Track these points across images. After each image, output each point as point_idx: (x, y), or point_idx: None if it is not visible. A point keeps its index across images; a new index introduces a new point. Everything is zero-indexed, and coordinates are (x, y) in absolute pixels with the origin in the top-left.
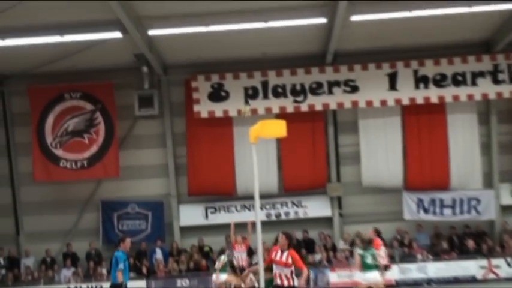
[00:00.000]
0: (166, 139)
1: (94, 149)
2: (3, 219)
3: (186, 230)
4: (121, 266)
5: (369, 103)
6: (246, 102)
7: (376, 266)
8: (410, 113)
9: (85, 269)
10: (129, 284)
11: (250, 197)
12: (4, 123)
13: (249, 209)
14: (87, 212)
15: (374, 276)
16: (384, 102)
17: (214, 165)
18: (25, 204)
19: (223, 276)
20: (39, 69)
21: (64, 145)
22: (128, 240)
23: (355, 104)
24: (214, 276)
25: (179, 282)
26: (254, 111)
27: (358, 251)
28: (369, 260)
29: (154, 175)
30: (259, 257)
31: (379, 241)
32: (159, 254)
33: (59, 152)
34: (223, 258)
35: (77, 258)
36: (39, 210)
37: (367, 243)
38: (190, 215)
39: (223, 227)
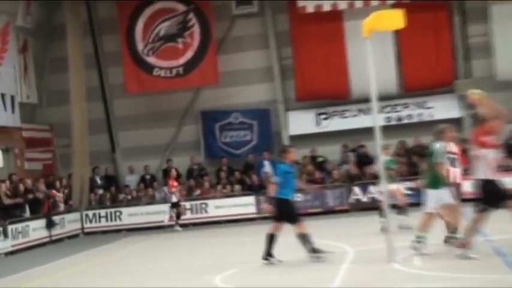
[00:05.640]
0: (268, 39)
1: (189, 54)
2: (97, 136)
3: (296, 140)
4: (276, 179)
5: None
6: None
7: None
8: None
9: (187, 186)
10: (237, 200)
11: (367, 100)
12: (91, 32)
13: (366, 113)
14: (186, 124)
15: None
16: None
17: (325, 65)
18: (119, 118)
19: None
20: None
21: (157, 52)
22: (292, 150)
23: None
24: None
25: None
26: (366, 2)
27: None
28: None
29: (258, 80)
30: (380, 166)
31: None
32: (267, 167)
33: (151, 60)
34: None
35: (178, 174)
36: (135, 124)
37: None
38: (300, 122)
39: (338, 135)
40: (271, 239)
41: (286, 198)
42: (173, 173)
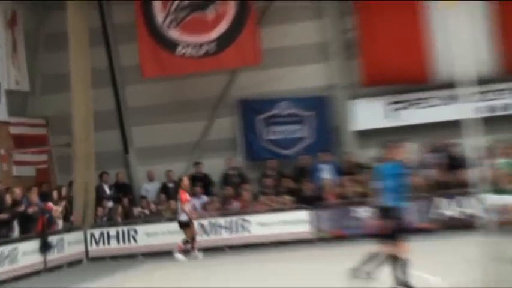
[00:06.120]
0: (322, 8)
1: (223, 27)
2: (105, 133)
3: (363, 136)
4: (382, 183)
5: None
6: None
7: None
8: None
9: (222, 197)
10: (287, 215)
11: (452, 85)
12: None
13: (453, 102)
14: (220, 116)
15: None
16: None
17: (398, 42)
18: (133, 110)
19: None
20: None
21: (181, 24)
22: (403, 146)
23: None
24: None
25: (358, 211)
26: None
27: None
28: None
29: (311, 60)
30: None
31: None
32: (325, 172)
33: (174, 34)
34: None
35: (209, 182)
36: (153, 117)
37: None
38: (368, 114)
39: (417, 130)
40: (400, 264)
41: (396, 207)
42: (185, 182)
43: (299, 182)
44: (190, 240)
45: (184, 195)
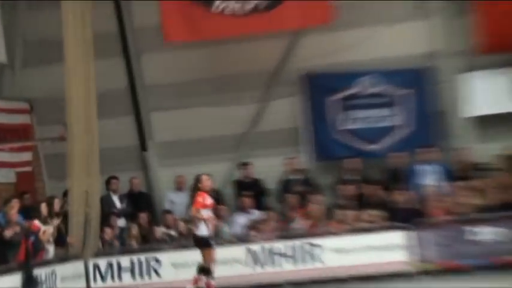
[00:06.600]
0: None
1: None
2: (114, 121)
3: (483, 125)
4: None
5: None
6: None
7: None
8: None
9: (281, 212)
10: (374, 238)
11: None
12: None
13: None
14: (275, 98)
15: None
16: None
17: None
18: (152, 89)
19: None
20: None
21: None
22: None
23: None
24: None
25: (478, 232)
26: None
27: None
28: None
29: (405, 17)
30: None
31: None
32: (428, 176)
33: None
34: None
35: (262, 190)
36: (181, 99)
37: None
38: (488, 93)
39: None
40: None
41: None
42: (204, 181)
43: (391, 191)
44: (208, 267)
45: (203, 200)
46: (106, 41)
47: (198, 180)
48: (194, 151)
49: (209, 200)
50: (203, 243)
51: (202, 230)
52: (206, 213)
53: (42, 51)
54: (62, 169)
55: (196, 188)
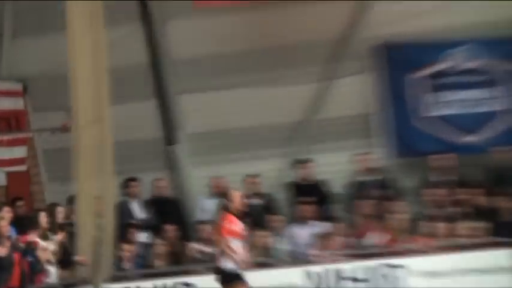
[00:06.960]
0: None
1: None
2: (132, 107)
3: None
4: None
5: None
6: None
7: None
8: None
9: (351, 224)
10: (475, 256)
11: None
12: None
13: None
14: (340, 76)
15: None
16: None
17: None
18: (180, 64)
19: None
20: None
21: None
22: None
23: None
24: None
25: None
26: None
27: None
28: None
29: None
30: None
31: None
32: None
33: None
34: None
35: (325, 196)
36: (216, 77)
37: None
38: None
39: None
40: None
41: None
42: (236, 198)
43: (494, 196)
44: None
45: (229, 223)
46: (121, 3)
47: (228, 197)
48: (235, 145)
49: (239, 226)
50: (228, 279)
51: (229, 263)
52: (235, 244)
53: (37, 17)
54: (65, 168)
55: (225, 207)
